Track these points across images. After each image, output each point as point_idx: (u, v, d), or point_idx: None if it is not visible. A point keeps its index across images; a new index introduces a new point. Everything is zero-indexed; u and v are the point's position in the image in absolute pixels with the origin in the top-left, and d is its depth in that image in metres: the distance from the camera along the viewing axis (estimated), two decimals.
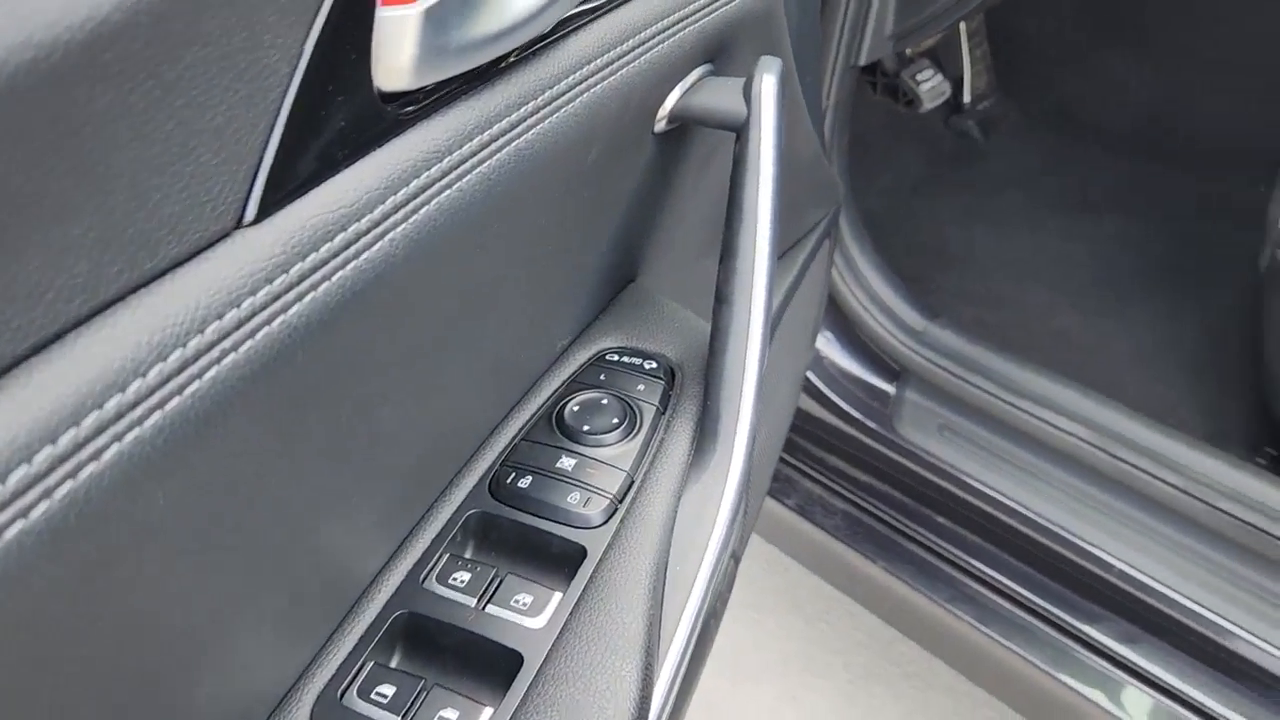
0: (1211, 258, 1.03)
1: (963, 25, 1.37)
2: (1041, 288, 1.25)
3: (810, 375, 1.05)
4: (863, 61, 1.00)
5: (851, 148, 1.09)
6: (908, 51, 1.17)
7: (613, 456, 0.61)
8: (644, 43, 0.57)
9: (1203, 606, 0.91)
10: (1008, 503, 0.99)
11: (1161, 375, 1.16)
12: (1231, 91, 1.34)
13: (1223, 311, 1.19)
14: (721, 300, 0.63)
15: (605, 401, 0.65)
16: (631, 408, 0.64)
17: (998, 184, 1.40)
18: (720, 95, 0.64)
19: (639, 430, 0.63)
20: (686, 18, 0.60)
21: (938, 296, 1.20)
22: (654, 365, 0.68)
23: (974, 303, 1.22)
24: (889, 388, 1.06)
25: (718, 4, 0.63)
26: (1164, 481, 0.94)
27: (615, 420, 0.63)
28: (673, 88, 0.63)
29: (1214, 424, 1.11)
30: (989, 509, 1.00)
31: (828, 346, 1.07)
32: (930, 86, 1.22)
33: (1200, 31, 1.41)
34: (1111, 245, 1.33)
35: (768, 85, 0.61)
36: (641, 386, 0.66)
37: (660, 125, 0.64)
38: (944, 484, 1.02)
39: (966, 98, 1.42)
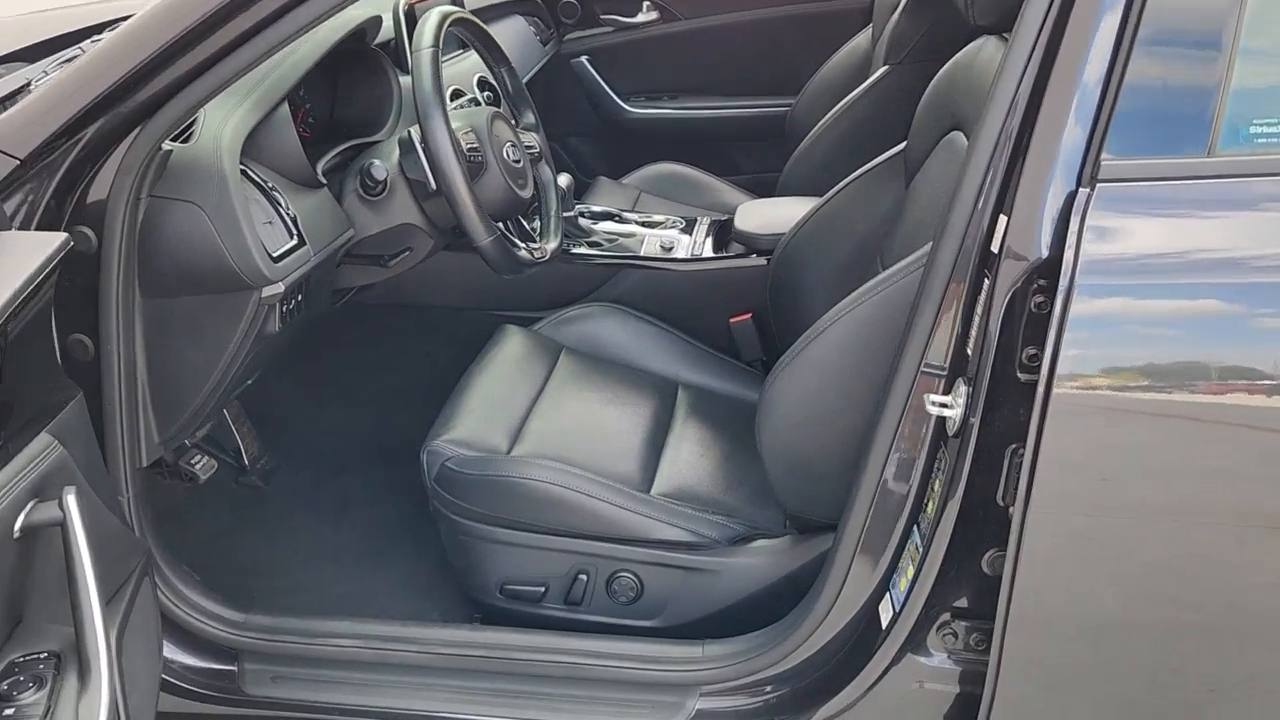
0: None
1: (226, 414, 1.88)
2: (326, 566, 1.82)
3: (166, 677, 1.41)
4: (145, 464, 1.37)
5: (168, 518, 1.50)
6: (186, 442, 1.60)
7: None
8: None
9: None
10: (340, 705, 1.43)
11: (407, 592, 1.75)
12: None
13: None
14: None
15: None
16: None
17: (285, 512, 1.98)
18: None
19: None
20: None
21: (255, 597, 1.57)
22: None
23: (283, 594, 1.74)
24: (231, 667, 1.45)
25: None
26: (432, 653, 1.43)
27: None
28: None
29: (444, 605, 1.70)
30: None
31: (174, 653, 1.44)
32: (201, 465, 1.67)
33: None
34: (368, 527, 1.90)
35: (70, 503, 0.95)
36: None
37: None
38: (293, 715, 1.44)
39: (246, 461, 1.95)
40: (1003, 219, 1.10)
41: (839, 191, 1.81)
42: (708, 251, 2.10)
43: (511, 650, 1.44)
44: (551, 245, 1.76)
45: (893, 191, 1.73)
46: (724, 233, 2.17)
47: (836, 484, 1.35)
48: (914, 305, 1.19)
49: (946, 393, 1.17)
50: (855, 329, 1.31)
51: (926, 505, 1.23)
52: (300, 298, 1.49)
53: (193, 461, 1.64)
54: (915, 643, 1.26)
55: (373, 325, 2.16)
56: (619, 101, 2.98)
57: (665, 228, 2.18)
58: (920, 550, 1.23)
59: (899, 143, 1.73)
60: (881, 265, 1.64)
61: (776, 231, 1.93)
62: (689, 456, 1.64)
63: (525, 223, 1.80)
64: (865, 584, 1.29)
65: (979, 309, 1.12)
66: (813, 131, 2.32)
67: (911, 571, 1.25)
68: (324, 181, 1.56)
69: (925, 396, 1.17)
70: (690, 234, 2.16)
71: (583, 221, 2.14)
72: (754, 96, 2.94)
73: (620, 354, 1.92)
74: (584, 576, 1.50)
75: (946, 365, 1.17)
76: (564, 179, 2.01)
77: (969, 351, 1.14)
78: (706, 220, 2.22)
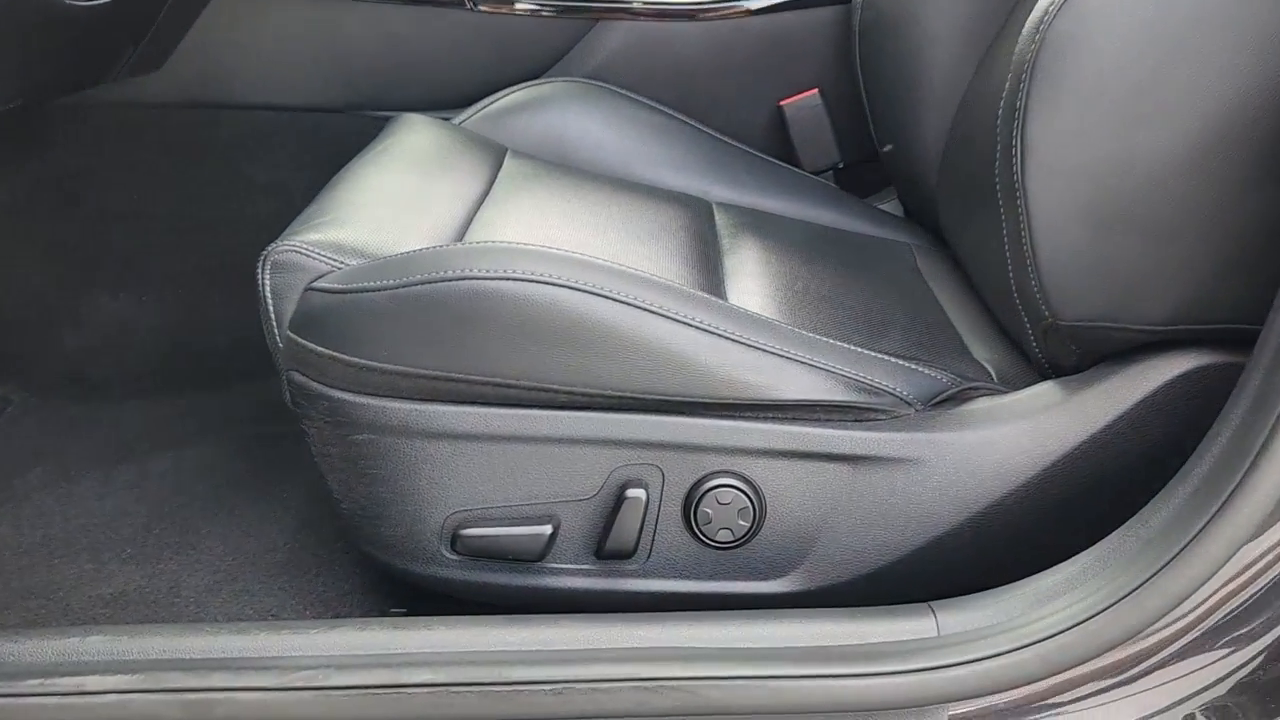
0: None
1: None
2: (85, 558, 1.10)
3: None
4: None
5: None
6: None
7: None
8: None
9: None
10: None
11: (246, 589, 1.05)
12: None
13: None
14: None
15: None
16: None
17: (18, 468, 1.25)
18: None
19: None
20: None
21: None
22: None
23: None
24: None
25: None
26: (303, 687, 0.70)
27: None
28: None
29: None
30: None
31: None
32: None
33: None
34: (164, 483, 1.20)
35: None
36: None
37: None
38: None
39: None
40: None
41: None
42: None
43: (484, 664, 0.68)
44: None
45: None
46: None
47: (1223, 236, 0.71)
48: None
49: None
50: None
51: None
52: None
53: None
54: None
55: (170, 143, 1.30)
56: None
57: None
58: None
59: None
60: None
61: None
62: (768, 287, 0.91)
63: None
64: None
65: None
66: None
67: None
68: None
69: None
70: None
71: None
72: None
73: (603, 158, 1.17)
74: (638, 492, 0.75)
75: None
76: None
77: None
78: None
